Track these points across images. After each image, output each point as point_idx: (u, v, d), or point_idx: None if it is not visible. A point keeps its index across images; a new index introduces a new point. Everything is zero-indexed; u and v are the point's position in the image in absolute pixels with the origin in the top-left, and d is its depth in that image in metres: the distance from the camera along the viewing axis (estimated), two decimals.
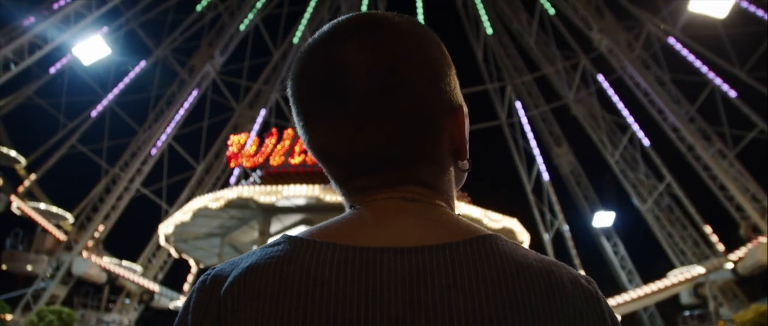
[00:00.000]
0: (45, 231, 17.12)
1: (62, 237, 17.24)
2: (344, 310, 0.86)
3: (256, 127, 19.67)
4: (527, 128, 23.09)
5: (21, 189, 17.39)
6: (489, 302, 0.87)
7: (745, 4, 16.70)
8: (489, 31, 23.41)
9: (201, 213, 14.17)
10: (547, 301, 0.88)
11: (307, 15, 20.75)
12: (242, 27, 19.28)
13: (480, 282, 0.88)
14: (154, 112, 18.61)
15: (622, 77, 19.01)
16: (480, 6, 23.33)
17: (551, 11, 21.11)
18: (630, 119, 19.74)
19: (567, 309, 0.89)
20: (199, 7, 19.21)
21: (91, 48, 16.79)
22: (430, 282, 0.87)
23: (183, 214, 14.33)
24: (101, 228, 17.62)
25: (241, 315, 0.88)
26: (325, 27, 0.98)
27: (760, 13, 16.83)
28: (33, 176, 17.75)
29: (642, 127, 19.74)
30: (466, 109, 1.00)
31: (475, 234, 0.93)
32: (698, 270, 17.85)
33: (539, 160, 22.93)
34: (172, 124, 18.34)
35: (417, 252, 0.91)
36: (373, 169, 0.98)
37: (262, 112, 19.82)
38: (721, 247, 18.20)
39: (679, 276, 18.08)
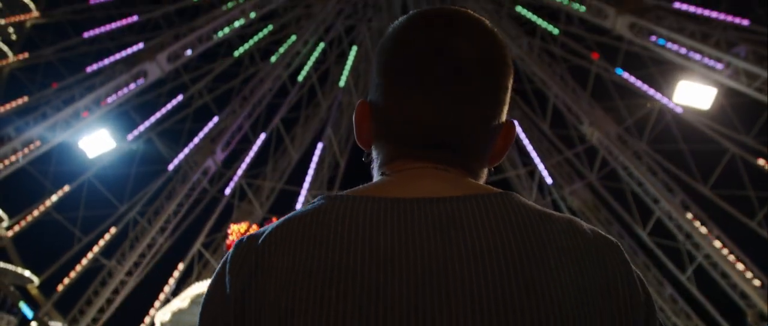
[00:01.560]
0: None
1: None
2: (379, 247, 0.92)
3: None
4: None
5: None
6: (516, 240, 0.94)
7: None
8: None
9: (199, 301, 14.26)
10: (570, 242, 0.96)
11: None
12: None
13: (507, 223, 0.96)
14: (154, 205, 19.08)
15: (615, 168, 19.71)
16: None
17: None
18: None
19: (590, 249, 0.96)
20: (236, 53, 19.98)
21: (97, 141, 17.55)
22: (460, 224, 0.95)
23: (181, 301, 14.40)
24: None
25: (278, 256, 0.94)
26: (429, 11, 1.12)
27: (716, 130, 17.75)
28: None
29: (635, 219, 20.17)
30: (515, 128, 1.15)
31: (499, 191, 1.03)
32: None
33: None
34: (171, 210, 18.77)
35: (446, 200, 0.99)
36: (439, 145, 1.08)
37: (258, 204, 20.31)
38: None
39: None
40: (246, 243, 0.99)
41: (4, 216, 17.94)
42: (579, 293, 0.91)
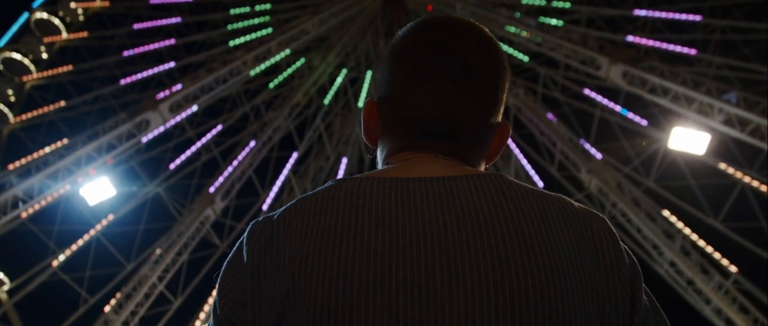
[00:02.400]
0: None
1: None
2: (384, 214, 1.03)
3: None
4: None
5: None
6: (510, 208, 1.05)
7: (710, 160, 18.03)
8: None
9: None
10: (560, 211, 1.08)
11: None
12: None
13: (501, 196, 1.07)
14: (154, 256, 19.11)
15: (615, 215, 19.88)
16: None
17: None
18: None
19: (578, 218, 1.08)
20: (271, 85, 20.76)
21: (98, 189, 17.75)
22: (458, 196, 1.06)
23: None
24: None
25: (292, 225, 1.06)
26: (436, 17, 1.27)
27: (722, 166, 18.09)
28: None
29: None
30: (510, 129, 1.28)
31: (493, 172, 1.14)
32: None
33: None
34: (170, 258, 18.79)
35: (445, 179, 1.10)
36: (442, 135, 1.20)
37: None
38: None
39: None
40: (262, 220, 1.12)
41: (5, 279, 17.83)
42: (569, 249, 1.03)
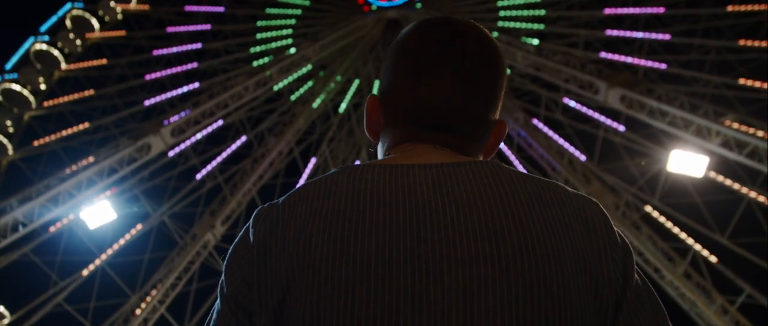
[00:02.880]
0: None
1: None
2: (384, 195, 1.10)
3: None
4: None
5: None
6: (505, 191, 1.11)
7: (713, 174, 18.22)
8: None
9: None
10: (554, 194, 1.13)
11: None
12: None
13: (498, 180, 1.13)
14: (153, 280, 19.02)
15: None
16: None
17: None
18: None
19: (571, 201, 1.14)
20: (293, 98, 21.05)
21: (98, 212, 17.75)
22: (456, 180, 1.13)
23: None
24: None
25: (297, 208, 1.12)
26: (438, 17, 1.33)
27: (728, 182, 18.26)
28: None
29: None
30: (507, 127, 1.34)
31: (489, 160, 1.21)
32: None
33: None
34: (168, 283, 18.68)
35: (444, 165, 1.17)
36: (443, 127, 1.26)
37: None
38: None
39: None
40: (267, 206, 1.18)
41: (5, 312, 17.68)
42: (562, 227, 1.09)
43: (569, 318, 1.02)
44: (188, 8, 22.63)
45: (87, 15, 21.54)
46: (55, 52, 21.03)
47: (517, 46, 19.43)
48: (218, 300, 1.16)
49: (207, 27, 22.31)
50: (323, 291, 1.02)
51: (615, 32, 19.47)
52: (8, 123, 19.24)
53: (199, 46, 22.18)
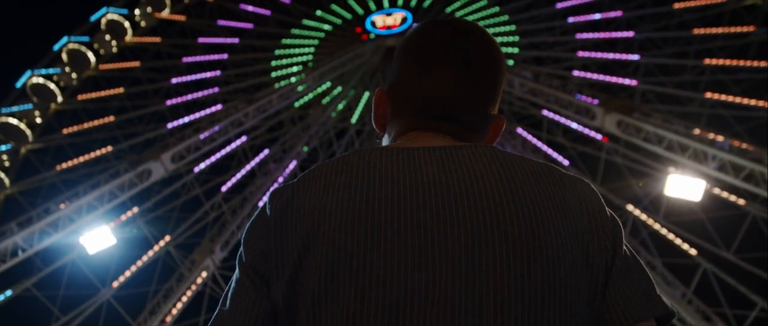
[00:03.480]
0: None
1: None
2: (392, 173, 1.21)
3: None
4: None
5: None
6: (503, 169, 1.22)
7: (717, 190, 18.44)
8: None
9: None
10: (548, 173, 1.25)
11: None
12: None
13: (496, 160, 1.25)
14: (152, 304, 18.90)
15: None
16: None
17: None
18: None
19: (566, 181, 1.26)
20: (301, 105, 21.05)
21: (98, 238, 17.72)
22: (457, 160, 1.24)
23: None
24: None
25: (311, 185, 1.23)
26: (443, 19, 1.52)
27: (733, 198, 18.49)
28: None
29: None
30: (504, 123, 1.47)
31: (487, 144, 1.33)
32: None
33: None
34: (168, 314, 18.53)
35: (445, 147, 1.29)
36: (447, 117, 1.38)
37: None
38: None
39: None
40: (283, 185, 1.29)
41: None
42: (556, 200, 1.20)
43: (563, 279, 1.12)
44: (202, 40, 22.98)
45: (84, 49, 21.68)
46: (52, 85, 21.14)
47: (514, 73, 19.76)
48: (237, 270, 1.27)
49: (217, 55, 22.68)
50: (336, 256, 1.12)
51: (610, 55, 19.87)
52: (4, 157, 19.33)
53: (206, 75, 22.46)
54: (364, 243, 1.13)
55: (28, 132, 20.45)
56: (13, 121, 20.13)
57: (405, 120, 1.41)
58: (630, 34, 20.08)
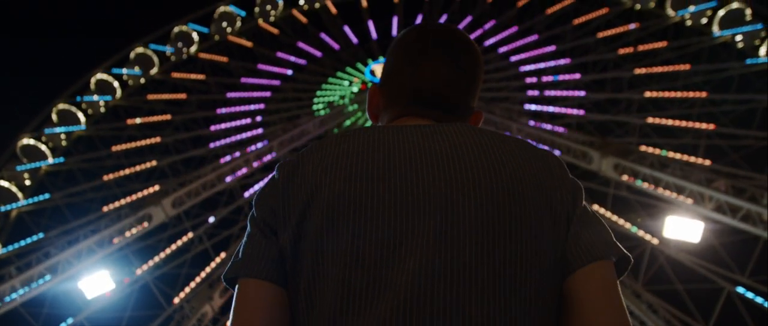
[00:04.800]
0: None
1: None
2: (385, 143, 1.42)
3: None
4: None
5: None
6: (481, 140, 1.43)
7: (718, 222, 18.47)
8: None
9: None
10: (521, 145, 1.45)
11: None
12: None
13: (474, 133, 1.46)
14: None
15: None
16: None
17: None
18: None
19: (535, 151, 1.47)
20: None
21: (97, 282, 17.60)
22: (440, 133, 1.46)
23: None
24: None
25: (314, 154, 1.43)
26: (430, 23, 1.74)
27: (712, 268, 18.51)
28: None
29: None
30: (483, 116, 1.70)
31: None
32: None
33: None
34: None
35: (430, 125, 1.51)
36: (434, 104, 1.59)
37: None
38: None
39: None
40: (290, 157, 1.47)
41: None
42: (524, 162, 1.41)
43: (528, 216, 1.33)
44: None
45: (73, 109, 22.00)
46: (42, 147, 21.27)
47: (512, 119, 20.13)
48: (248, 227, 1.46)
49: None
50: (336, 202, 1.32)
51: (554, 92, 20.47)
52: (25, 175, 19.74)
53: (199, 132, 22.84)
54: (360, 191, 1.32)
55: (49, 153, 20.88)
56: (37, 143, 20.78)
57: (395, 108, 1.62)
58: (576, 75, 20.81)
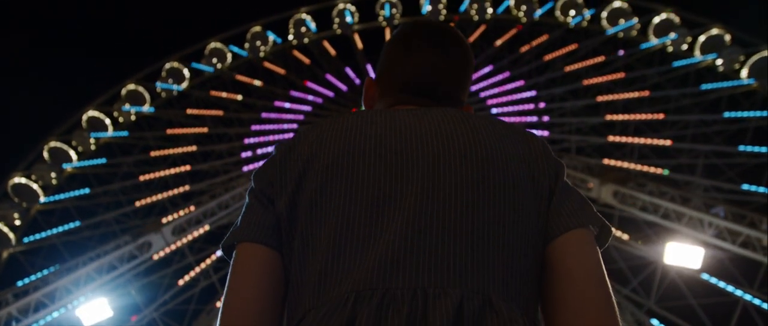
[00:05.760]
0: None
1: None
2: (376, 122, 1.51)
3: None
4: None
5: None
6: (468, 119, 1.52)
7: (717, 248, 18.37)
8: None
9: None
10: (506, 125, 1.55)
11: None
12: None
13: (462, 115, 1.54)
14: None
15: None
16: None
17: None
18: None
19: (520, 131, 1.56)
20: None
21: (95, 310, 17.47)
22: (430, 114, 1.54)
23: None
24: None
25: (311, 134, 1.52)
26: (424, 20, 2.51)
27: (721, 285, 18.39)
28: None
29: None
30: (472, 110, 1.77)
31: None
32: None
33: None
34: None
35: (420, 108, 1.60)
36: (427, 93, 1.68)
37: None
38: None
39: None
40: (288, 138, 1.59)
41: None
42: (508, 139, 1.49)
43: (510, 184, 1.40)
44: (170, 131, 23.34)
45: (63, 147, 21.77)
46: (34, 185, 21.16)
47: None
48: (247, 198, 1.55)
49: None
50: (330, 169, 1.42)
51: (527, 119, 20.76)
52: (15, 215, 19.52)
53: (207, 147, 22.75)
54: (352, 159, 1.42)
55: (41, 193, 20.44)
56: (27, 181, 20.40)
57: (388, 99, 1.70)
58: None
